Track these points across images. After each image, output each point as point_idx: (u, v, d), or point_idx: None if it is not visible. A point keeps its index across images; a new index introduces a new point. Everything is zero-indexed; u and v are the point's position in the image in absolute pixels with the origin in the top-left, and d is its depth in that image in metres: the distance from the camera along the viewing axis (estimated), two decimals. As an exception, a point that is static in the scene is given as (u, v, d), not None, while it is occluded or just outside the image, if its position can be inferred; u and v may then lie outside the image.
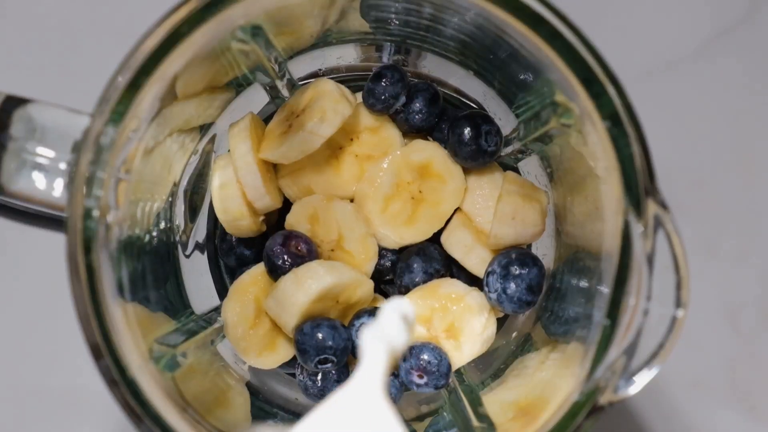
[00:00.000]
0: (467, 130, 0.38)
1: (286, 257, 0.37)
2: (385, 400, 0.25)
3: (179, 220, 0.39)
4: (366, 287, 0.38)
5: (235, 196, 0.38)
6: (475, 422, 0.35)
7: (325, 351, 0.36)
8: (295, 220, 0.39)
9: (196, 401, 0.32)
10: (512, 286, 0.37)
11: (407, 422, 0.39)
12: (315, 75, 0.40)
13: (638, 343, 0.28)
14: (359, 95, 0.39)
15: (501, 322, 0.40)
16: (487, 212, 0.39)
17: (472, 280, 0.39)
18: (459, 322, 0.38)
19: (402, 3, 0.34)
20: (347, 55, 0.39)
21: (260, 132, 0.39)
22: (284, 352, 0.38)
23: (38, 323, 0.45)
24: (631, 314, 0.28)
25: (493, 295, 0.37)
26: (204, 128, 0.38)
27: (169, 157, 0.36)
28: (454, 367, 0.38)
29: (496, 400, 0.36)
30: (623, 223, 0.28)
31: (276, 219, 0.40)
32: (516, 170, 0.40)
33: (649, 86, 0.47)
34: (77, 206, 0.29)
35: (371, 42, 0.39)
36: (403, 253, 0.39)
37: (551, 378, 0.33)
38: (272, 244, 0.38)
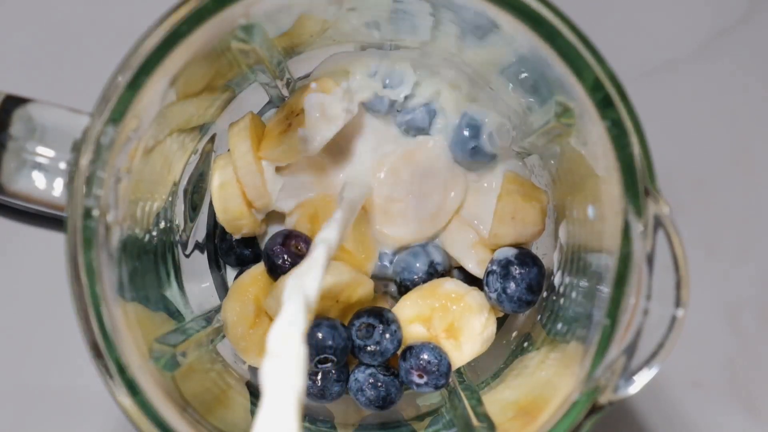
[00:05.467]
0: (467, 130, 0.38)
1: (286, 257, 0.37)
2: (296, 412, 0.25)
3: (179, 219, 0.39)
4: (366, 287, 0.38)
5: (235, 195, 0.38)
6: (475, 422, 0.35)
7: (324, 350, 0.36)
8: (295, 220, 0.39)
9: (196, 401, 0.32)
10: (512, 285, 0.37)
11: (407, 422, 0.39)
12: (315, 74, 0.40)
13: (638, 342, 0.28)
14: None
15: (501, 322, 0.40)
16: (487, 212, 0.39)
17: (472, 280, 0.40)
18: (459, 322, 0.38)
19: (401, 3, 0.34)
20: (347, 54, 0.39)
21: (260, 132, 0.39)
22: (284, 351, 0.38)
23: (38, 323, 0.45)
24: (631, 314, 0.28)
25: (493, 295, 0.37)
26: (204, 128, 0.38)
27: (169, 156, 0.36)
28: (454, 367, 0.38)
29: (496, 400, 0.36)
30: (623, 222, 0.28)
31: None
32: (516, 170, 0.40)
33: (649, 86, 0.47)
34: (77, 206, 0.29)
35: (371, 41, 0.39)
36: (403, 252, 0.39)
37: (551, 378, 0.33)
38: (272, 243, 0.38)
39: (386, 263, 0.40)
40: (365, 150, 0.39)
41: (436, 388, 0.37)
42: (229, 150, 0.38)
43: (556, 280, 0.37)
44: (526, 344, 0.38)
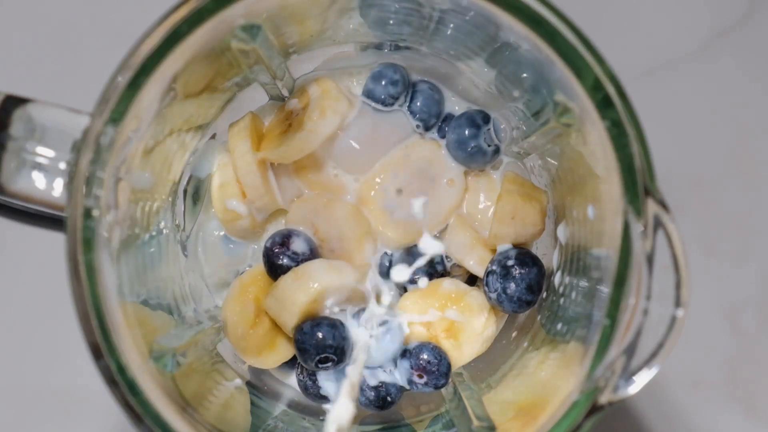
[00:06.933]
0: (467, 130, 0.38)
1: (286, 257, 0.37)
2: None
3: (179, 219, 0.39)
4: (366, 287, 0.38)
5: (235, 195, 0.38)
6: (475, 422, 0.35)
7: (325, 350, 0.36)
8: (295, 220, 0.39)
9: (195, 401, 0.32)
10: (512, 285, 0.37)
11: (407, 422, 0.39)
12: (314, 74, 0.40)
13: (638, 342, 0.28)
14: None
15: (501, 322, 0.40)
16: (487, 212, 0.39)
17: (472, 280, 0.40)
18: (459, 322, 0.38)
19: (400, 3, 0.34)
20: (347, 54, 0.40)
21: (260, 131, 0.39)
22: (284, 351, 0.38)
23: (38, 323, 0.45)
24: (631, 314, 0.28)
25: (493, 295, 0.37)
26: (204, 127, 0.38)
27: (168, 156, 0.36)
28: (454, 367, 0.38)
29: (496, 400, 0.36)
30: (623, 222, 0.28)
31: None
32: (516, 170, 0.40)
33: (649, 86, 0.47)
34: (77, 206, 0.29)
35: (371, 41, 0.39)
36: (403, 252, 0.39)
37: (551, 378, 0.33)
38: (272, 243, 0.38)
39: (386, 263, 0.40)
40: (365, 148, 0.39)
41: (436, 388, 0.37)
42: (228, 150, 0.38)
43: (556, 280, 0.37)
44: (526, 344, 0.38)
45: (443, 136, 0.39)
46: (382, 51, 0.39)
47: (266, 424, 0.37)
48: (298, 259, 0.37)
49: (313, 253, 0.38)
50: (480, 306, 0.38)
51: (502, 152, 0.39)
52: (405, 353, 0.38)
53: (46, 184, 0.31)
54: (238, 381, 0.39)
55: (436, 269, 0.39)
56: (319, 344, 0.36)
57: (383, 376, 0.38)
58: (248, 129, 0.38)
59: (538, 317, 0.38)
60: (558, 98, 0.31)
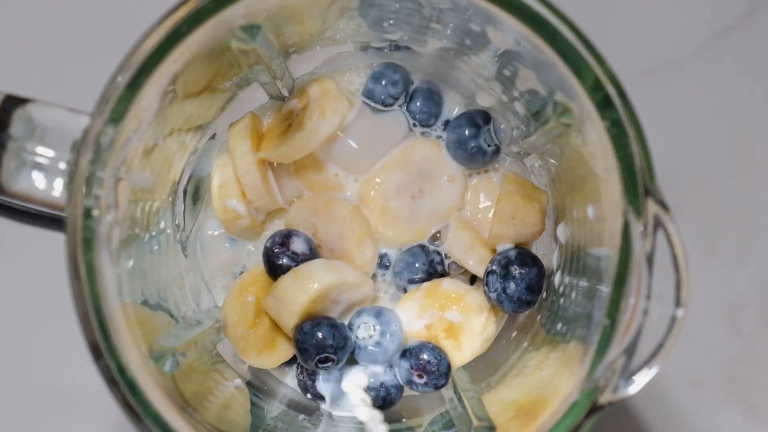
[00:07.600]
0: (467, 130, 0.38)
1: (286, 257, 0.37)
2: None
3: (179, 219, 0.39)
4: (366, 287, 0.38)
5: (235, 195, 0.38)
6: (475, 422, 0.35)
7: (325, 350, 0.36)
8: (295, 220, 0.39)
9: (195, 401, 0.32)
10: (512, 285, 0.37)
11: (407, 422, 0.39)
12: (315, 74, 0.40)
13: (638, 342, 0.28)
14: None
15: (501, 322, 0.40)
16: (487, 212, 0.39)
17: (472, 280, 0.40)
18: (459, 322, 0.38)
19: (400, 3, 0.34)
20: (347, 54, 0.40)
21: (260, 131, 0.39)
22: (284, 351, 0.38)
23: (38, 323, 0.45)
24: (631, 314, 0.28)
25: (493, 295, 0.37)
26: (204, 127, 0.38)
27: (168, 156, 0.36)
28: (454, 367, 0.38)
29: (496, 400, 0.36)
30: (623, 222, 0.28)
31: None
32: (516, 170, 0.40)
33: (649, 86, 0.47)
34: (77, 206, 0.29)
35: (371, 41, 0.39)
36: (403, 252, 0.39)
37: (551, 377, 0.33)
38: (272, 243, 0.38)
39: (386, 263, 0.40)
40: (365, 148, 0.39)
41: (436, 388, 0.37)
42: (228, 150, 0.38)
43: (556, 280, 0.37)
44: (526, 344, 0.38)
45: (443, 136, 0.39)
46: (382, 51, 0.39)
47: (266, 424, 0.37)
48: (298, 259, 0.37)
49: (313, 253, 0.38)
50: (480, 306, 0.38)
51: (503, 152, 0.39)
52: (405, 353, 0.38)
53: (46, 184, 0.31)
54: (238, 381, 0.39)
55: (436, 269, 0.39)
56: (319, 344, 0.36)
57: (383, 376, 0.38)
58: (248, 129, 0.38)
59: (538, 317, 0.38)
60: (558, 98, 0.31)
